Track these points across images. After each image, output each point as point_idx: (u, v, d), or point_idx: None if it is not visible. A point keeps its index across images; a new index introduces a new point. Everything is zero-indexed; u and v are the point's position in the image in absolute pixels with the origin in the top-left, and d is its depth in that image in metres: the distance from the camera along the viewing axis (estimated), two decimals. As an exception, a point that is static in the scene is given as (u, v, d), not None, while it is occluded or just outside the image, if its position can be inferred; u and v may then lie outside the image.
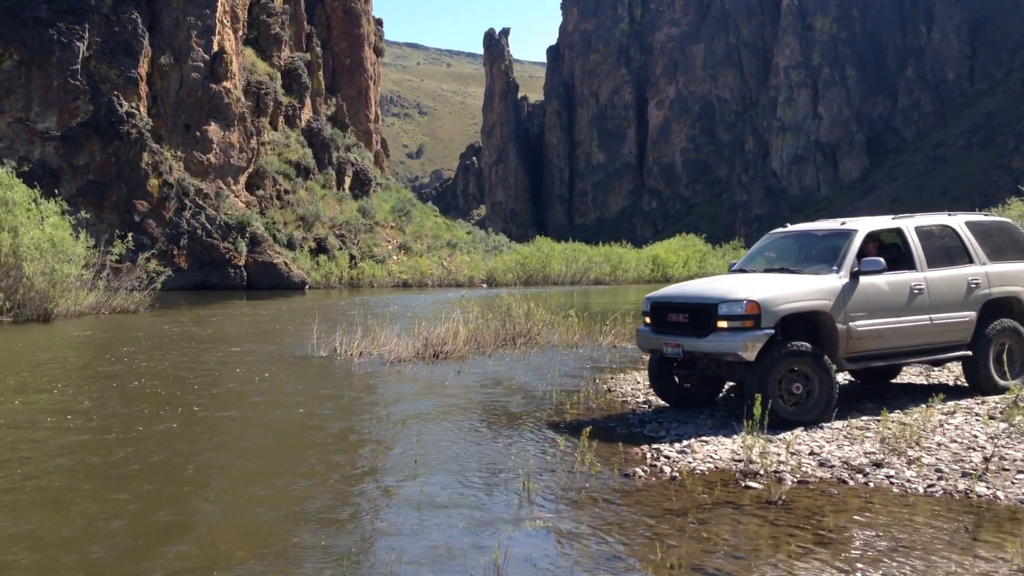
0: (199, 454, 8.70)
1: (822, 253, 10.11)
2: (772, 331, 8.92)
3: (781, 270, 10.15)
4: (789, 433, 8.59)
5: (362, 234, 65.78)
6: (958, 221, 10.59)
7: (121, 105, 49.64)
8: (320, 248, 60.20)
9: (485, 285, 59.78)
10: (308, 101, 72.66)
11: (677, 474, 7.44)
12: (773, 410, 8.72)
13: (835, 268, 9.55)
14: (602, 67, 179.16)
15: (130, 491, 7.26)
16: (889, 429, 8.09)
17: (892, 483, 7.03)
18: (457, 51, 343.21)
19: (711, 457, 7.93)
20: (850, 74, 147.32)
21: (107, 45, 50.27)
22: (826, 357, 9.05)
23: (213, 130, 55.11)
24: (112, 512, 6.71)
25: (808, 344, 9.02)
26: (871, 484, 7.05)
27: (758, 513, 6.42)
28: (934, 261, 10.10)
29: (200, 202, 52.27)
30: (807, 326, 9.39)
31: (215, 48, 55.88)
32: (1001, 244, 10.71)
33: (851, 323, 9.32)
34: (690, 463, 7.77)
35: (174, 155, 52.71)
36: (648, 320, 10.26)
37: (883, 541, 5.78)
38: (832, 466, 7.49)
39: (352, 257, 61.40)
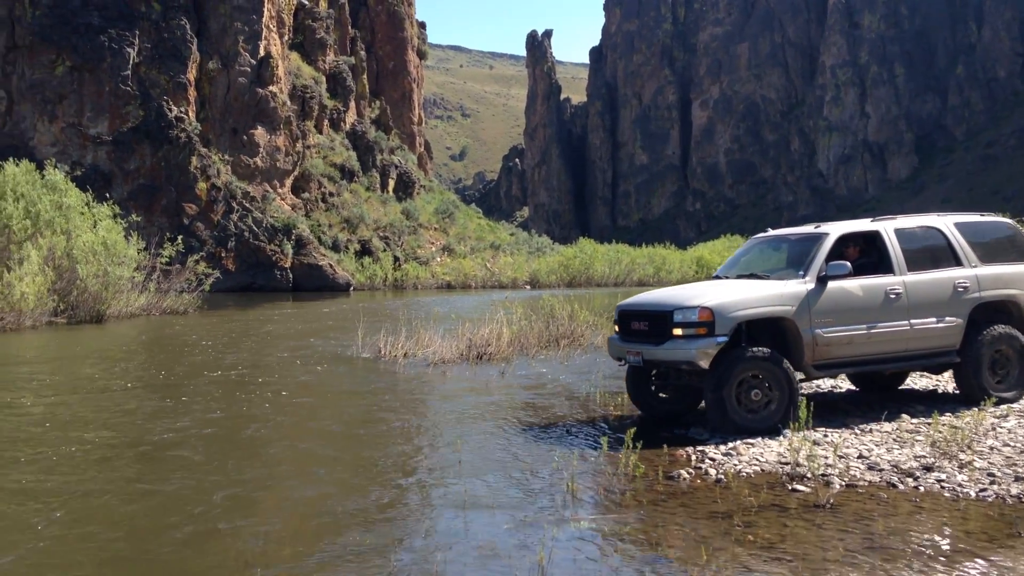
0: (244, 454, 8.83)
1: (793, 258, 9.94)
2: (726, 338, 8.78)
3: (751, 276, 9.99)
4: (837, 435, 8.51)
5: (406, 236, 66.15)
6: (946, 222, 10.20)
7: (170, 110, 50.45)
8: (364, 250, 60.64)
9: (528, 286, 59.79)
10: (352, 104, 73.26)
11: (722, 476, 7.39)
12: (729, 417, 8.70)
13: (801, 273, 9.36)
14: (645, 68, 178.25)
15: (172, 501, 7.40)
16: (940, 432, 7.97)
17: (943, 487, 6.92)
18: (500, 53, 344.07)
19: (757, 459, 7.87)
20: (899, 72, 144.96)
21: (157, 51, 51.13)
22: (786, 363, 8.85)
23: (260, 134, 55.79)
24: (155, 508, 6.85)
25: (767, 350, 8.83)
26: (921, 488, 6.95)
27: (805, 517, 6.36)
28: (916, 264, 9.74)
29: (247, 205, 52.95)
30: (772, 333, 9.21)
31: (262, 53, 56.57)
32: (996, 245, 10.28)
33: (817, 329, 9.09)
34: (735, 465, 7.72)
35: (222, 159, 53.45)
36: (616, 328, 10.21)
37: (934, 546, 5.70)
38: (881, 469, 7.39)
39: (396, 259, 61.78)
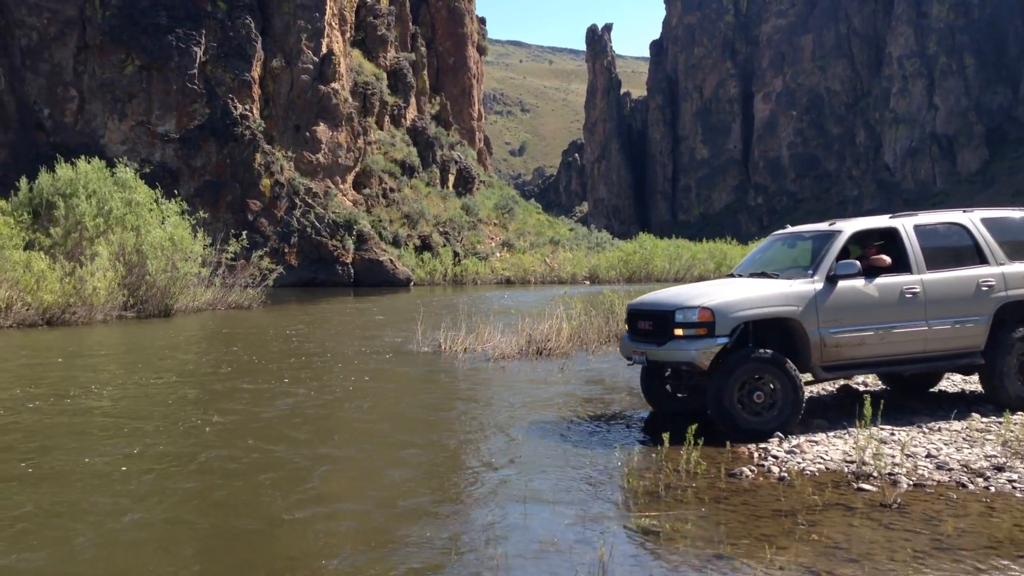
0: (308, 446, 8.97)
1: (805, 256, 9.71)
2: (727, 339, 8.66)
3: (762, 275, 9.79)
4: (904, 434, 8.35)
5: (465, 231, 66.43)
6: (973, 218, 9.78)
7: (235, 108, 51.34)
8: (424, 245, 61.03)
9: (588, 282, 59.59)
10: (413, 100, 73.73)
11: (786, 474, 7.31)
12: (730, 419, 8.56)
13: (810, 272, 9.15)
14: (706, 60, 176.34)
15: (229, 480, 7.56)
16: (1012, 432, 7.78)
17: (1015, 488, 6.76)
18: (559, 48, 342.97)
19: (821, 458, 7.77)
20: (968, 63, 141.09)
21: (222, 50, 52.05)
22: (789, 365, 8.66)
23: (322, 130, 56.48)
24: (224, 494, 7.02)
25: (769, 351, 8.68)
26: (992, 488, 6.79)
27: (872, 516, 6.27)
28: (936, 262, 9.40)
29: (309, 201, 53.64)
30: (780, 333, 9.03)
31: (324, 50, 57.25)
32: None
33: (825, 330, 8.88)
34: (799, 463, 7.63)
35: (285, 155, 54.23)
36: (627, 327, 10.15)
37: (1006, 548, 5.57)
38: (951, 469, 7.24)
39: (456, 254, 62.06)
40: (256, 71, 53.44)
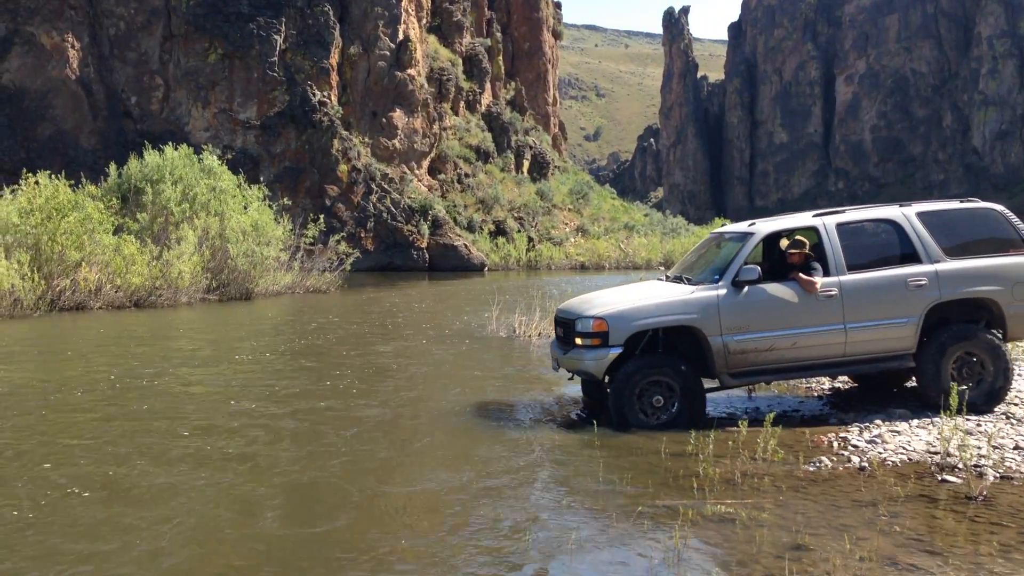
0: (388, 432, 9.13)
1: (721, 259, 9.37)
2: (620, 349, 8.67)
3: (678, 279, 9.60)
4: (991, 426, 8.13)
5: (540, 217, 66.43)
6: (907, 212, 9.24)
7: (314, 95, 52.13)
8: (499, 230, 61.23)
9: (663, 268, 59.17)
10: (488, 86, 73.87)
11: (866, 464, 7.19)
12: (628, 421, 8.64)
13: (716, 277, 8.94)
14: (787, 43, 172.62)
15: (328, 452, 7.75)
16: (1106, 425, 7.52)
17: (1109, 483, 6.54)
18: (635, 31, 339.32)
19: (904, 448, 7.62)
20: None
21: (301, 37, 52.86)
22: (684, 369, 8.64)
23: (398, 116, 57.00)
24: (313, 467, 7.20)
25: (666, 359, 8.73)
26: (1084, 483, 6.59)
27: (956, 509, 6.13)
28: (860, 262, 8.99)
29: (385, 186, 54.24)
30: (691, 340, 8.92)
31: (400, 37, 57.69)
32: (970, 237, 9.24)
33: (730, 337, 8.67)
34: (880, 454, 7.49)
35: (362, 141, 54.89)
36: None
37: (1098, 544, 5.40)
38: (1040, 462, 7.04)
39: (530, 239, 62.13)
40: (334, 58, 54.15)
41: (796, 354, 8.86)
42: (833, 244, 9.07)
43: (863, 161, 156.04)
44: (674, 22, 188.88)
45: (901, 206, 9.41)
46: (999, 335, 9.00)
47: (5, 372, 12.74)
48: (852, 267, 9.00)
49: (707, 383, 9.09)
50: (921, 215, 9.24)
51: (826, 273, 8.97)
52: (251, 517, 6.24)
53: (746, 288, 8.81)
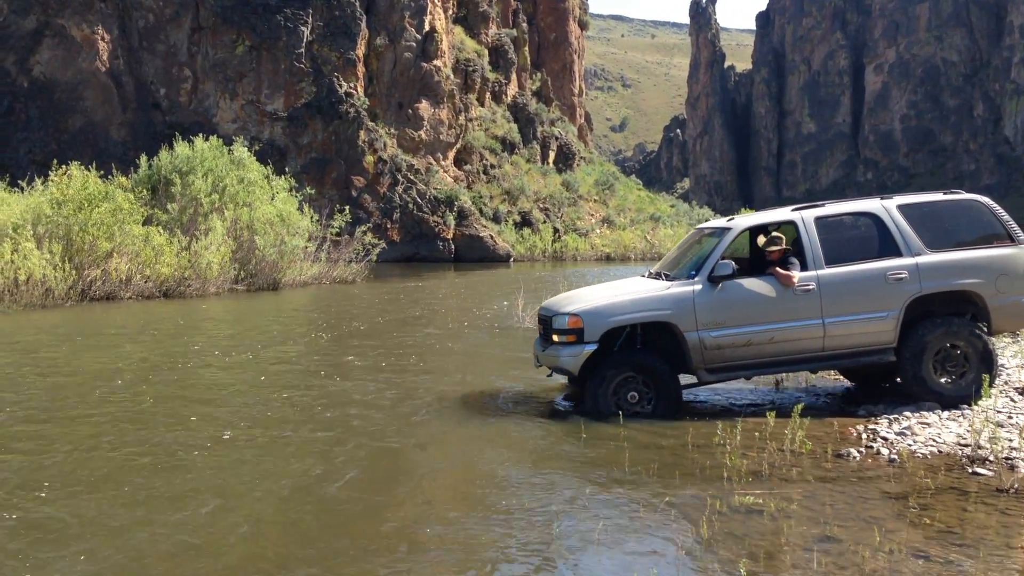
0: (414, 418, 9.20)
1: (699, 255, 9.36)
2: (595, 346, 8.71)
3: (658, 275, 9.58)
4: (1023, 418, 8.06)
5: (566, 207, 66.35)
6: (887, 205, 9.13)
7: (340, 86, 52.30)
8: (524, 221, 61.24)
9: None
10: (514, 77, 73.78)
11: (896, 457, 7.16)
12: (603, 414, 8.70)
13: (693, 273, 8.94)
14: (815, 32, 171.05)
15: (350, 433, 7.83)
16: None
17: None
18: (662, 21, 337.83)
19: (934, 440, 7.57)
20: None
21: (328, 29, 53.02)
22: (659, 366, 8.69)
23: (424, 107, 57.08)
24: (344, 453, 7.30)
25: (641, 354, 8.78)
26: (1118, 477, 6.52)
27: (987, 501, 6.10)
28: (838, 256, 8.91)
29: (411, 177, 54.36)
30: (668, 335, 8.91)
31: (426, 28, 57.73)
32: (953, 230, 9.11)
33: (706, 332, 8.67)
34: (910, 445, 7.45)
35: (388, 132, 55.03)
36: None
37: None
38: (1072, 455, 6.97)
39: (556, 230, 62.09)
40: (360, 49, 54.28)
41: (774, 349, 8.86)
42: (811, 238, 9.03)
43: (892, 151, 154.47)
44: (701, 11, 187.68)
45: (883, 199, 9.35)
46: (984, 328, 8.91)
47: (150, 349, 12.92)
48: (831, 261, 8.95)
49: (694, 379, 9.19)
50: (902, 208, 9.15)
51: (804, 267, 8.95)
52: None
53: (722, 284, 8.83)
